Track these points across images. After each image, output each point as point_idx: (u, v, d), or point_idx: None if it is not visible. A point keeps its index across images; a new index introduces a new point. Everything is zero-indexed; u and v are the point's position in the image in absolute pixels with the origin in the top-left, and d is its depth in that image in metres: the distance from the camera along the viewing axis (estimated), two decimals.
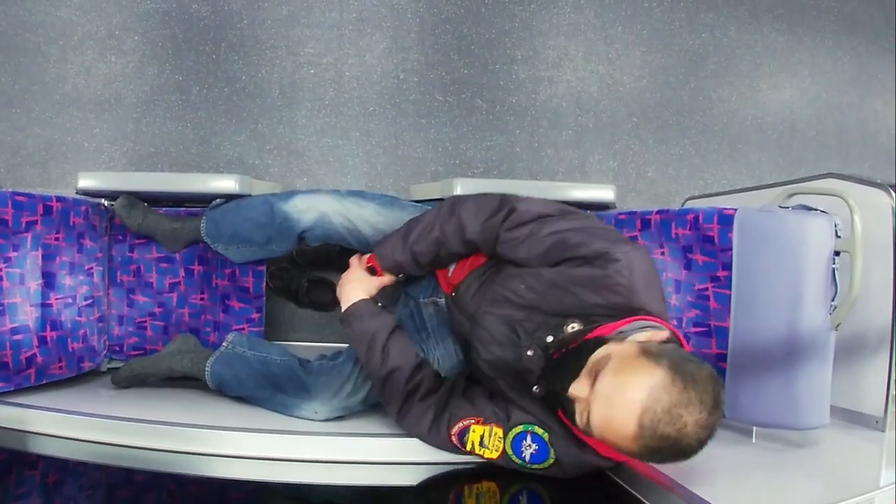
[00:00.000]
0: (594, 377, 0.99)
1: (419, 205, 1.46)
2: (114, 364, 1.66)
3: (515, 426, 1.16)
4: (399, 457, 1.26)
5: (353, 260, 1.41)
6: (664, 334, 1.05)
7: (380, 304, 1.34)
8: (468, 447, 1.18)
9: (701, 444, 0.96)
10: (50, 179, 2.10)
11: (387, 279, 1.35)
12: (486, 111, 2.17)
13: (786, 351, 1.22)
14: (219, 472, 1.26)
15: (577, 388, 1.00)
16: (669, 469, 1.10)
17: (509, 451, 1.15)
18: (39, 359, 1.40)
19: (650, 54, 2.24)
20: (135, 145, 2.12)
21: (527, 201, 1.22)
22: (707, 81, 2.26)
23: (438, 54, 2.17)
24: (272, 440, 1.24)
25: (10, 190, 1.37)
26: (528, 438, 1.15)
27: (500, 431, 1.16)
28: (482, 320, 1.21)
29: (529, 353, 1.13)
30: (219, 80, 2.14)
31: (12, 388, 1.35)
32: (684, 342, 1.10)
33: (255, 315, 1.60)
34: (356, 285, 1.34)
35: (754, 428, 1.30)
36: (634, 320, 1.07)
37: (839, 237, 1.22)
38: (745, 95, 2.28)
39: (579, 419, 1.00)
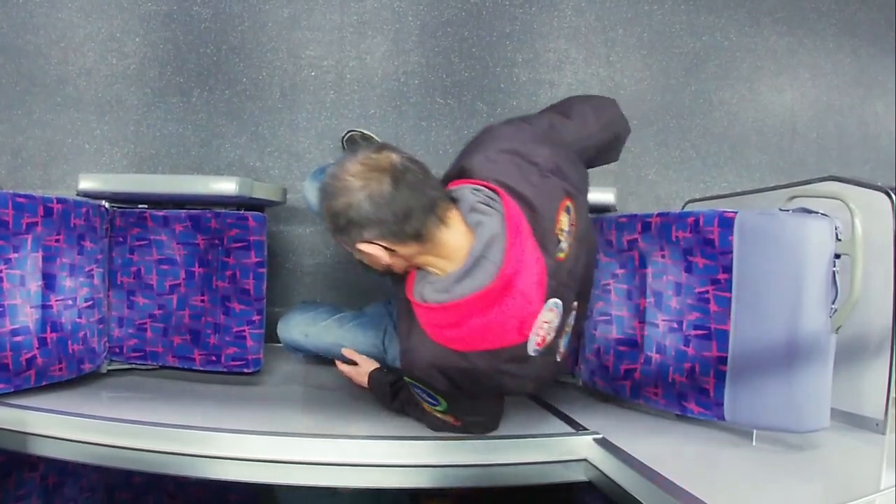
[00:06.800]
0: None
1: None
2: (114, 366, 1.66)
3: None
4: (399, 460, 1.26)
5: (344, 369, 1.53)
6: None
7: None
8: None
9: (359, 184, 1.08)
10: (51, 181, 2.11)
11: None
12: (487, 114, 2.17)
13: (786, 354, 1.22)
14: (218, 475, 1.25)
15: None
16: (670, 471, 1.10)
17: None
18: (39, 360, 1.40)
19: (651, 57, 2.24)
20: (136, 147, 2.13)
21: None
22: (707, 84, 2.26)
23: (439, 57, 2.17)
24: (272, 442, 1.24)
25: (11, 191, 1.37)
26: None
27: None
28: None
29: None
30: (220, 82, 2.14)
31: (12, 390, 1.35)
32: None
33: (255, 317, 1.60)
34: (360, 378, 1.49)
35: (754, 431, 1.30)
36: None
37: (839, 240, 1.22)
38: (745, 98, 2.28)
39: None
